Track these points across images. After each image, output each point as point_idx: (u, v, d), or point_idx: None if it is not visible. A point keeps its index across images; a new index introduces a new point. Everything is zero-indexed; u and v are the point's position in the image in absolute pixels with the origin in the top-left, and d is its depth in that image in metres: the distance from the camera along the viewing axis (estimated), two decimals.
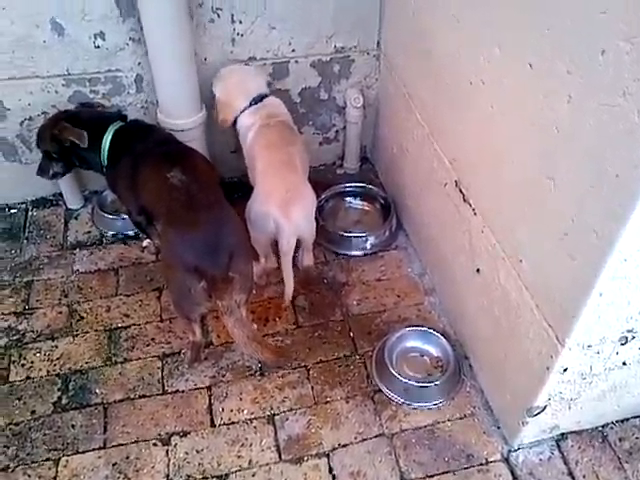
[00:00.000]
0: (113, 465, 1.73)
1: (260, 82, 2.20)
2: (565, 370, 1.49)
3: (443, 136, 1.95)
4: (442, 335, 2.02)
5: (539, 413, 1.64)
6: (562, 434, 1.79)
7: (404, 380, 1.88)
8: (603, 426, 1.82)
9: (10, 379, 1.93)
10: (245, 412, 1.86)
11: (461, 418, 1.85)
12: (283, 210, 1.92)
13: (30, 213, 2.50)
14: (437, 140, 1.99)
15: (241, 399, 1.89)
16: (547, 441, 1.78)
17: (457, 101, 1.79)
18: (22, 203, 2.53)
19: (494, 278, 1.70)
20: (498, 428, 1.82)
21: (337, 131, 2.69)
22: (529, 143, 1.43)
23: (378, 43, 2.42)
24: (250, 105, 2.14)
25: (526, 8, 1.35)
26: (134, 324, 2.10)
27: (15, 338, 2.04)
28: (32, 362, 1.97)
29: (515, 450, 1.77)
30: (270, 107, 2.15)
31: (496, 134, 1.59)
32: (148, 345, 2.03)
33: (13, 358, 1.98)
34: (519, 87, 1.44)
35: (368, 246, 2.37)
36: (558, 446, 1.78)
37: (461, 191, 1.85)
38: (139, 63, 2.22)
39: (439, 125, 1.98)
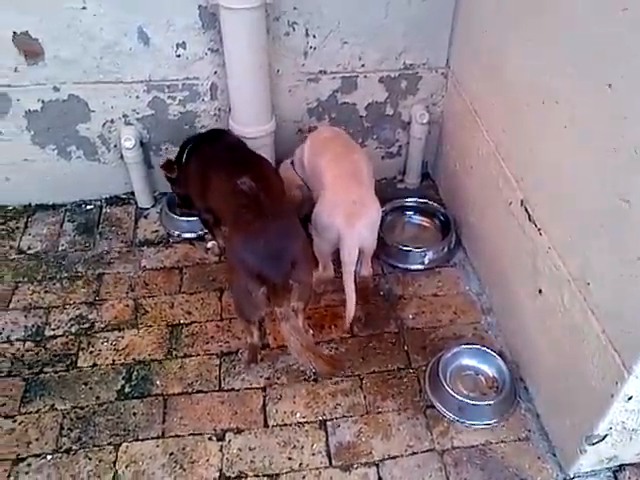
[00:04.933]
0: (170, 455, 1.79)
1: None
2: (630, 399, 1.46)
3: (510, 154, 1.95)
4: (499, 355, 2.00)
5: (599, 442, 1.60)
6: (620, 465, 1.73)
7: (458, 397, 1.86)
8: None
9: (78, 365, 2.03)
10: (298, 415, 1.89)
11: (515, 441, 1.82)
12: (348, 221, 1.95)
13: (104, 210, 2.64)
14: (504, 158, 1.99)
15: (294, 402, 1.93)
16: (604, 471, 1.73)
17: (528, 120, 1.79)
18: (97, 200, 2.67)
19: (557, 300, 1.68)
20: (554, 455, 1.78)
21: (400, 146, 2.72)
22: (604, 164, 1.42)
23: (447, 61, 2.45)
24: None
25: (605, 26, 1.35)
26: (195, 321, 2.17)
27: (85, 326, 2.16)
28: (99, 350, 2.08)
29: (571, 478, 1.72)
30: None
31: (568, 154, 1.58)
32: (207, 343, 2.10)
33: (82, 345, 2.09)
34: (596, 107, 1.43)
35: (426, 261, 2.37)
36: (615, 477, 1.73)
37: (527, 210, 1.84)
38: (215, 72, 2.33)
39: (507, 143, 1.97)
